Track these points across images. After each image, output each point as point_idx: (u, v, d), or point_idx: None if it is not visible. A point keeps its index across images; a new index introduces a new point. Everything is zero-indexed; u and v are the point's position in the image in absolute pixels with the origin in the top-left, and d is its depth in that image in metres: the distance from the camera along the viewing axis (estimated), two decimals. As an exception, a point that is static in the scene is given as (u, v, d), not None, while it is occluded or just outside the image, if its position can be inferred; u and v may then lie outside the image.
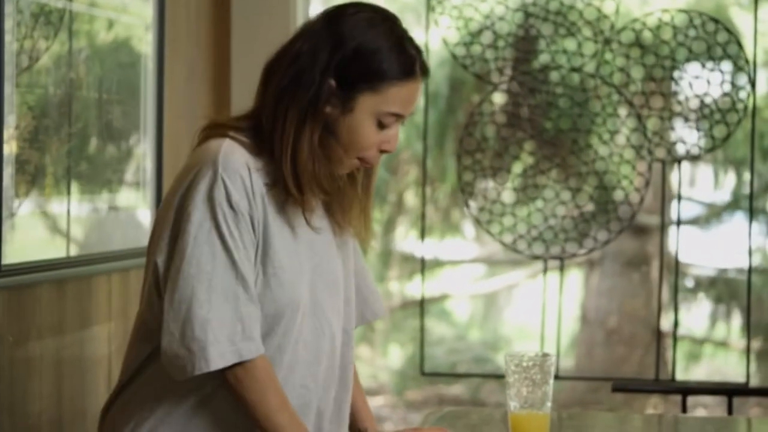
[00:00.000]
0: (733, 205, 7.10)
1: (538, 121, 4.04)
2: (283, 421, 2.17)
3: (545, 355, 2.52)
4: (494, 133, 4.07)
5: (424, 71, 2.26)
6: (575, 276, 7.78)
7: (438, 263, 7.81)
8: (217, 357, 2.11)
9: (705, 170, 7.26)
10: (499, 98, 4.08)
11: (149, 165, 3.54)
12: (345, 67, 2.20)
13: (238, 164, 2.17)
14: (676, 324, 4.06)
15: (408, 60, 2.22)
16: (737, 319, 7.53)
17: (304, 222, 2.25)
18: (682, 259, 7.51)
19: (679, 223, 4.07)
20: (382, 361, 7.80)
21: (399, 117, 2.24)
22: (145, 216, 3.53)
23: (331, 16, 2.24)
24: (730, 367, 7.55)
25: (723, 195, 7.20)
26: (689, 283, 7.59)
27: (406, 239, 7.36)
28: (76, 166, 3.16)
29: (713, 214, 7.30)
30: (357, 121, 2.21)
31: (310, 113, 2.19)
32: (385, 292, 7.67)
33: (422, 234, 4.49)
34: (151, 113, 3.53)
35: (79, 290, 3.18)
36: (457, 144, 4.16)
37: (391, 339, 7.72)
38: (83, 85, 3.18)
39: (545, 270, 4.17)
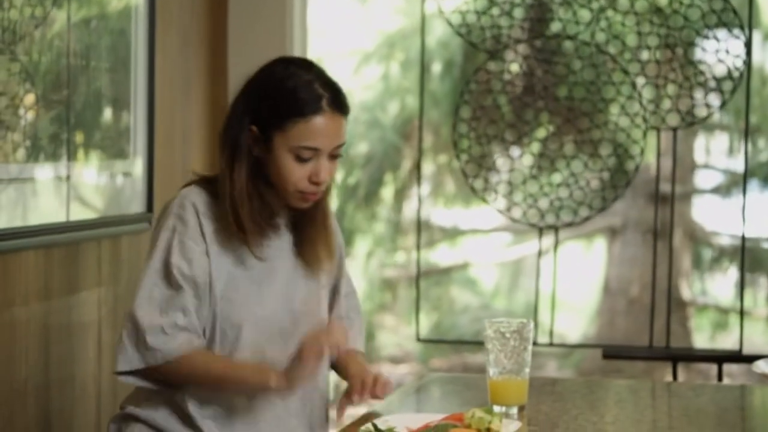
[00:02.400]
0: (749, 174, 7.05)
1: (535, 88, 4.03)
2: (233, 376, 2.47)
3: (524, 322, 2.54)
4: (492, 101, 4.06)
5: (339, 107, 2.47)
6: (599, 245, 7.75)
7: (459, 231, 7.80)
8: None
9: (722, 138, 7.21)
10: (495, 66, 4.07)
11: (141, 134, 3.55)
12: (259, 112, 2.46)
13: (191, 200, 2.50)
14: (669, 292, 4.05)
15: (311, 98, 2.44)
16: (762, 289, 7.49)
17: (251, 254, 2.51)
18: (707, 227, 7.50)
19: (673, 193, 4.05)
20: (406, 330, 7.81)
21: (318, 150, 2.45)
22: (136, 184, 3.55)
23: (258, 69, 2.50)
24: (756, 336, 7.49)
25: (739, 163, 7.14)
26: (713, 252, 7.57)
27: (423, 207, 7.34)
28: (72, 133, 3.18)
29: (733, 182, 7.25)
30: (277, 159, 2.46)
31: (236, 157, 2.47)
32: (404, 261, 7.67)
33: (419, 205, 4.50)
34: (142, 82, 3.55)
35: (67, 256, 3.20)
36: (453, 113, 4.16)
37: (415, 307, 7.72)
38: (78, 53, 3.20)
39: (540, 241, 4.17)
